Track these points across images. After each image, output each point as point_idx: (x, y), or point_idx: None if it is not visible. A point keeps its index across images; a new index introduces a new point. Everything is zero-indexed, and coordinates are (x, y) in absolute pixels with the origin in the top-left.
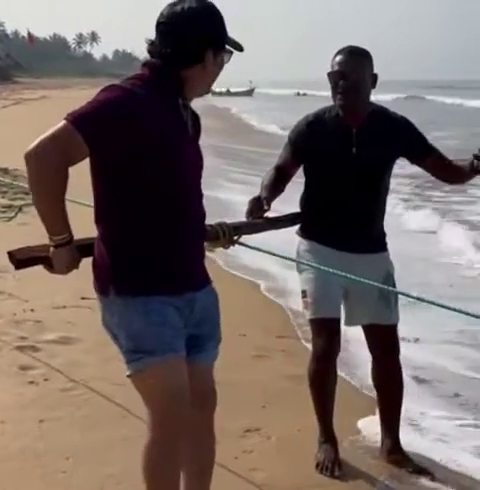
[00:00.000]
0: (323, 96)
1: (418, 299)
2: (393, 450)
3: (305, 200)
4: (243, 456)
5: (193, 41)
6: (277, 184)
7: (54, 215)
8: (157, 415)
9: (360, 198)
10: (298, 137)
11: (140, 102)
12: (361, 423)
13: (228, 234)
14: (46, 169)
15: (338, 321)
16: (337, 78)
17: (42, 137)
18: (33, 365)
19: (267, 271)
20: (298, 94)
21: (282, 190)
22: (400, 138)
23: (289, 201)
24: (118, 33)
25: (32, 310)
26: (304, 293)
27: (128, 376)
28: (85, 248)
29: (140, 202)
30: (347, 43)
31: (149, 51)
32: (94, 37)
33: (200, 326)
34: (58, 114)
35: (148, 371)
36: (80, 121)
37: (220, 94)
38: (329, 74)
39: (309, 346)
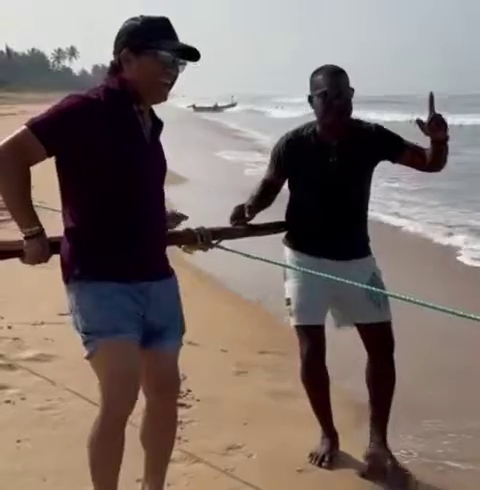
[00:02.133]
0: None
1: (404, 299)
2: (378, 444)
3: (290, 212)
4: (225, 474)
5: (115, 48)
6: (262, 196)
7: (20, 210)
8: (104, 394)
9: (341, 208)
10: (279, 154)
11: (94, 109)
12: None
13: (206, 238)
14: (8, 170)
15: (321, 327)
16: (322, 98)
17: (4, 141)
18: (10, 384)
19: (250, 284)
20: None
21: (268, 203)
22: (376, 145)
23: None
24: (97, 48)
25: (9, 327)
26: (288, 301)
27: (86, 358)
28: (55, 244)
29: (94, 198)
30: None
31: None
32: (73, 52)
33: (160, 315)
34: None
35: (98, 352)
36: (38, 126)
37: (202, 109)
38: (319, 94)
39: (291, 361)
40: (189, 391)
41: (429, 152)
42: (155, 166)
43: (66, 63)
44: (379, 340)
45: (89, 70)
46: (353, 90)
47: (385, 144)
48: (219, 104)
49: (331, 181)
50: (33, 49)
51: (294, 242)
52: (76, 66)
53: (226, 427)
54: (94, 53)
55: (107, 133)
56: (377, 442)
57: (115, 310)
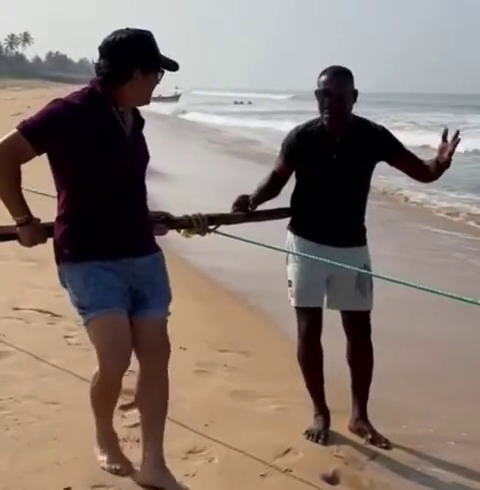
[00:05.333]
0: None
1: (392, 280)
2: (359, 418)
3: (295, 200)
4: (186, 480)
5: (121, 62)
6: (270, 188)
7: (11, 201)
8: (99, 358)
9: (341, 199)
10: (289, 145)
11: (75, 113)
12: None
13: (202, 223)
14: (1, 168)
15: (319, 309)
16: (323, 95)
17: None
18: None
19: (208, 281)
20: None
21: (275, 194)
22: (378, 146)
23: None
24: (51, 35)
25: None
26: (290, 283)
27: (83, 325)
28: (50, 229)
29: (80, 189)
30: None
31: (95, 70)
32: (26, 38)
33: (146, 287)
34: None
35: (90, 324)
36: (27, 129)
37: None
38: (316, 92)
39: (253, 360)
40: None
41: (431, 167)
42: (135, 159)
43: (19, 49)
44: (360, 326)
45: (43, 57)
46: (355, 92)
47: (387, 147)
48: (163, 95)
49: (332, 175)
50: None
51: (297, 228)
52: (30, 52)
53: (186, 430)
54: (48, 40)
55: (89, 132)
56: (358, 417)
57: (101, 286)
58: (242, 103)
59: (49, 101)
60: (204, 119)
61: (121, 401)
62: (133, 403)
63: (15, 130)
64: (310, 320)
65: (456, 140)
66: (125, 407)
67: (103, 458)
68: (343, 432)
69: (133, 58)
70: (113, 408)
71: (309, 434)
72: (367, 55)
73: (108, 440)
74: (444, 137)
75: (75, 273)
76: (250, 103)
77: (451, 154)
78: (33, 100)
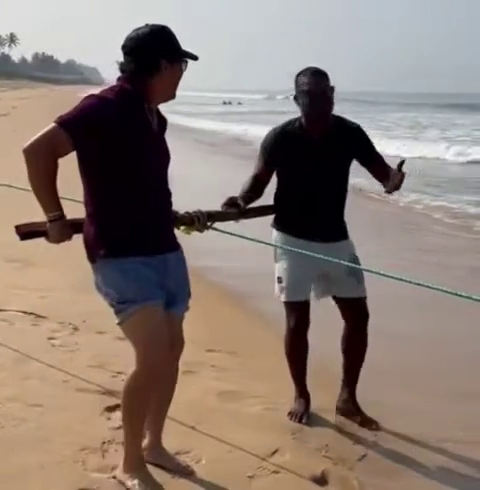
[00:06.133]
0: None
1: (379, 274)
2: (348, 399)
3: (278, 199)
4: (172, 481)
5: (149, 54)
6: (252, 190)
7: (46, 196)
8: (141, 352)
9: (324, 196)
10: (268, 147)
11: (111, 107)
12: None
13: (202, 220)
14: (39, 161)
15: (307, 303)
16: (307, 95)
17: (36, 136)
18: None
19: (202, 279)
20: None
21: (259, 196)
22: (354, 144)
23: None
24: (38, 36)
25: None
26: (279, 279)
27: (118, 324)
28: (77, 225)
29: (113, 184)
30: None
31: (120, 70)
32: (13, 39)
33: (175, 282)
34: None
35: (131, 318)
36: (65, 123)
37: None
38: (299, 92)
39: (240, 360)
40: None
41: (388, 181)
42: (162, 156)
43: (5, 50)
44: (357, 312)
45: (29, 58)
46: (333, 89)
47: (361, 146)
48: None
49: (314, 172)
50: None
51: (282, 225)
52: (16, 53)
53: (173, 431)
54: (35, 41)
55: (122, 127)
56: (347, 398)
57: (142, 280)
58: (231, 103)
59: (36, 99)
60: (198, 121)
61: (107, 402)
62: (118, 405)
63: (53, 124)
64: (299, 313)
65: (402, 178)
66: (110, 409)
67: (134, 483)
68: (331, 432)
69: (159, 49)
70: (145, 419)
71: (292, 415)
72: (351, 53)
73: (139, 462)
74: (399, 167)
75: (113, 268)
76: (239, 104)
77: (399, 185)
78: (19, 100)
